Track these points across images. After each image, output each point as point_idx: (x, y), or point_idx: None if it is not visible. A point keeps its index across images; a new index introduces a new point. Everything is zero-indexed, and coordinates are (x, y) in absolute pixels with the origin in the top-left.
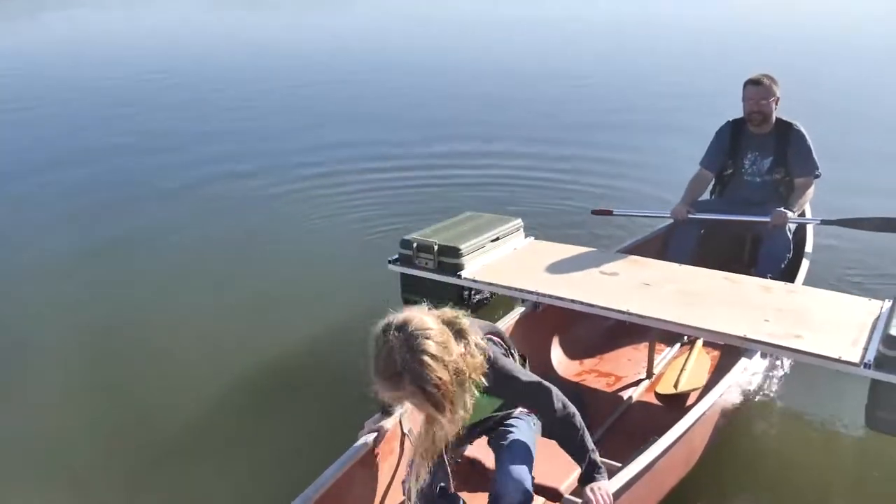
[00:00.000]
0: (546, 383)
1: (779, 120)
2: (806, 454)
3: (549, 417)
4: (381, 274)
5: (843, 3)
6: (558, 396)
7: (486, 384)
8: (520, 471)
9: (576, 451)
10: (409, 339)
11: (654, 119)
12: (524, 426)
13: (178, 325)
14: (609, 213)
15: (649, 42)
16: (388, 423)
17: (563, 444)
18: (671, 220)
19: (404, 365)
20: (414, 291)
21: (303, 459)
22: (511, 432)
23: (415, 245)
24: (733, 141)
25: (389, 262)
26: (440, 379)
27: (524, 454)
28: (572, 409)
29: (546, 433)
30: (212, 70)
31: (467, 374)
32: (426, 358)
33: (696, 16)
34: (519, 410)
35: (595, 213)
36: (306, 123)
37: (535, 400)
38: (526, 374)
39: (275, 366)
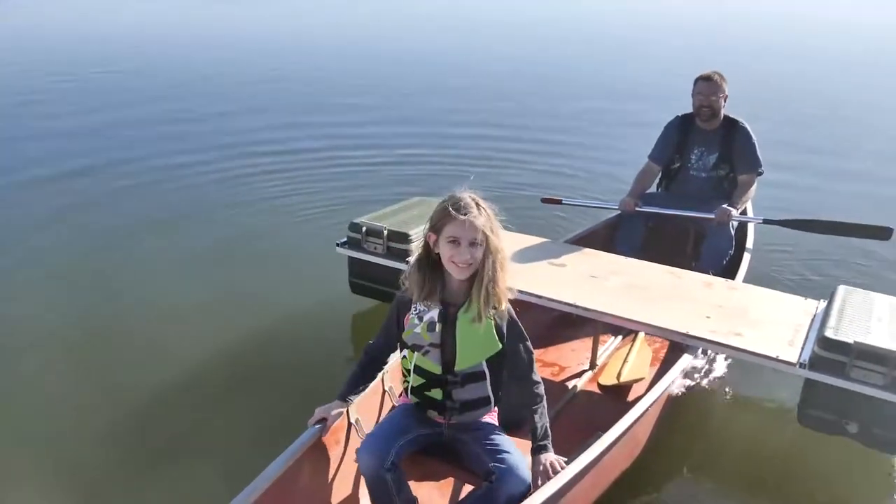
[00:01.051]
0: None
1: (726, 117)
2: (742, 447)
3: (529, 379)
4: (329, 257)
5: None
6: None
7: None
8: (521, 464)
9: (537, 418)
10: (483, 203)
11: (607, 111)
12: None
13: (122, 319)
14: (558, 201)
15: (610, 39)
16: (337, 412)
17: (527, 409)
18: (615, 216)
19: (481, 205)
20: (362, 276)
21: (253, 449)
22: (498, 431)
23: (364, 229)
24: (681, 135)
25: (338, 244)
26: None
27: (516, 450)
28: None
29: (515, 398)
30: (159, 58)
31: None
32: (492, 214)
33: (656, 14)
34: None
35: (545, 201)
36: (257, 107)
37: (528, 353)
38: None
39: (224, 354)
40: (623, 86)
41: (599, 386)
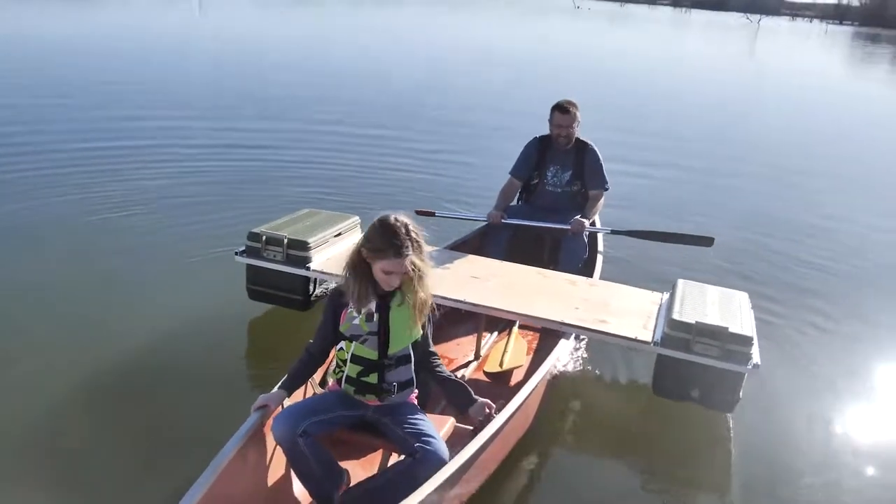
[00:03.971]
0: None
1: (578, 139)
2: (609, 415)
3: (430, 351)
4: (219, 265)
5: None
6: None
7: None
8: (442, 446)
9: (454, 379)
10: (414, 230)
11: (474, 130)
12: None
13: (20, 333)
14: (432, 214)
15: (479, 67)
16: (276, 399)
17: (436, 377)
18: (483, 226)
19: (413, 236)
20: (260, 283)
21: (157, 457)
22: (418, 412)
23: (264, 238)
24: (539, 155)
25: (236, 254)
26: (423, 243)
27: (436, 432)
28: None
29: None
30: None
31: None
32: (419, 233)
33: (512, 49)
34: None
35: (418, 213)
36: (134, 117)
37: (430, 340)
38: None
39: (128, 364)
40: (488, 109)
41: (485, 373)
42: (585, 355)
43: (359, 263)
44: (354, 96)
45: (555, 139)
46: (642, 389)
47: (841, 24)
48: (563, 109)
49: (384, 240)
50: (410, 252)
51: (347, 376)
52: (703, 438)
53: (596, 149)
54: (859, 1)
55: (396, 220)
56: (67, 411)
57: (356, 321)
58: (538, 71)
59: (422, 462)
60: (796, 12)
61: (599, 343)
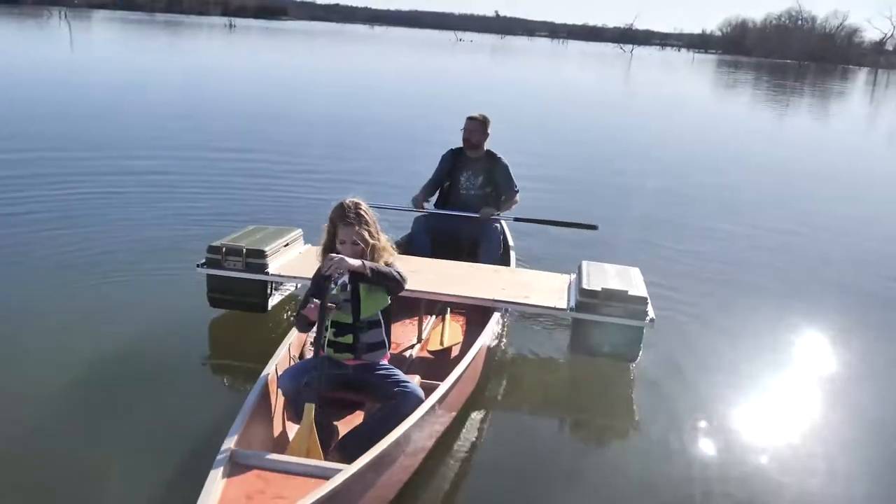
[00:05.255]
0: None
1: (488, 151)
2: (536, 374)
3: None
4: (173, 281)
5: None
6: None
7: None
8: (417, 388)
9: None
10: (365, 210)
11: (396, 146)
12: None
13: None
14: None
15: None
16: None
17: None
18: (408, 233)
19: (360, 212)
20: (221, 291)
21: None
22: (393, 368)
23: (224, 249)
24: (452, 163)
25: (198, 266)
26: (375, 223)
27: (409, 378)
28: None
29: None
30: None
31: (381, 241)
32: (370, 214)
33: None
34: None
35: None
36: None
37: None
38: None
39: (104, 378)
40: (418, 125)
41: (429, 352)
42: (509, 332)
43: (328, 239)
44: (274, 124)
45: (465, 143)
46: (558, 355)
47: (706, 52)
48: (472, 118)
49: (335, 213)
50: (355, 223)
51: (329, 340)
52: (612, 384)
53: (504, 159)
54: (721, 31)
55: (350, 200)
56: (39, 422)
57: (334, 291)
58: (445, 94)
59: (403, 401)
60: (665, 41)
61: (523, 320)
